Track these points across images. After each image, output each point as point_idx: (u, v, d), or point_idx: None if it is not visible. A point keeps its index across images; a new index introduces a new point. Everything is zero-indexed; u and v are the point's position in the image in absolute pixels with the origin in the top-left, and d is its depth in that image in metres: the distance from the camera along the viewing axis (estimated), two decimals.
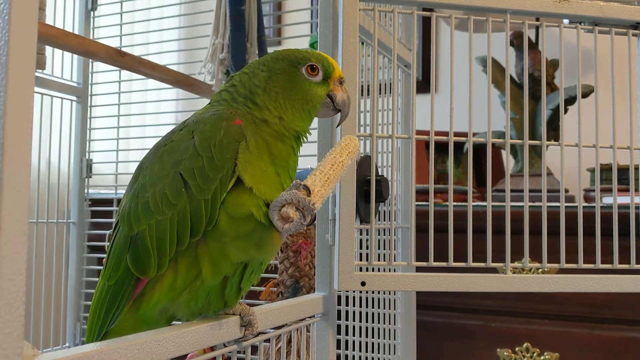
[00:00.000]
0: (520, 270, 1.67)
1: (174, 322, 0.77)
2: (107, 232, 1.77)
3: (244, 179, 0.70)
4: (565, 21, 1.08)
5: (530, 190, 1.03)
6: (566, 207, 1.03)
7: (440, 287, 0.97)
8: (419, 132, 1.02)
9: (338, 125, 0.84)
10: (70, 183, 1.90)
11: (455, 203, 1.03)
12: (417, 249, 1.00)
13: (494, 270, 1.02)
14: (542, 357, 1.75)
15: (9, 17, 0.46)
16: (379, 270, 1.18)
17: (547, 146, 1.06)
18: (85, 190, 1.94)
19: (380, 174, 1.12)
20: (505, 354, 1.79)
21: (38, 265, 1.76)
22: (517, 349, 1.78)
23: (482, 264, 1.00)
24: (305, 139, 0.81)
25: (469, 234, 0.99)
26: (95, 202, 1.98)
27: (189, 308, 0.72)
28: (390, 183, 1.15)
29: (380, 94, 1.34)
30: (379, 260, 1.36)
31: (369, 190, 1.02)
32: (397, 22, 1.03)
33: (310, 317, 0.97)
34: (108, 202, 1.95)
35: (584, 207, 1.04)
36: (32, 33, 0.47)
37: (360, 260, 1.01)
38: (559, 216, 1.02)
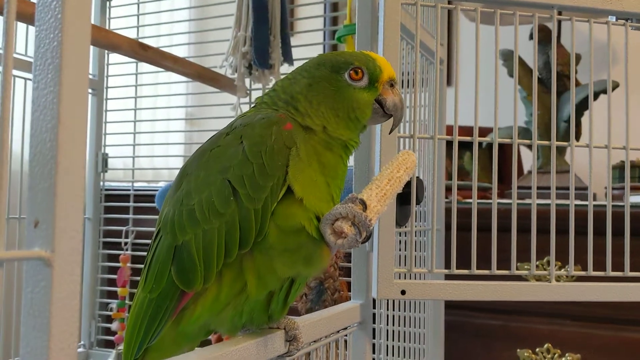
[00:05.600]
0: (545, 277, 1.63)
1: None
2: (123, 228, 1.74)
3: (294, 189, 0.65)
4: (612, 18, 1.04)
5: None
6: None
7: (483, 295, 0.93)
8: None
9: (391, 132, 0.78)
10: (86, 178, 1.85)
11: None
12: (447, 251, 0.96)
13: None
14: (563, 359, 1.72)
15: (62, 16, 0.42)
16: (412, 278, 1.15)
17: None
18: (101, 184, 1.90)
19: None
20: (525, 354, 1.76)
21: None
22: (537, 349, 1.75)
23: (525, 272, 0.96)
24: (354, 148, 0.75)
25: (512, 237, 0.94)
26: (111, 197, 1.94)
27: (232, 323, 0.69)
28: (425, 185, 1.11)
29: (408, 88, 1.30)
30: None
31: (403, 193, 0.98)
32: (439, 17, 0.98)
33: (343, 329, 0.93)
34: (124, 197, 1.91)
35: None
36: (86, 32, 0.43)
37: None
38: (604, 216, 0.98)
